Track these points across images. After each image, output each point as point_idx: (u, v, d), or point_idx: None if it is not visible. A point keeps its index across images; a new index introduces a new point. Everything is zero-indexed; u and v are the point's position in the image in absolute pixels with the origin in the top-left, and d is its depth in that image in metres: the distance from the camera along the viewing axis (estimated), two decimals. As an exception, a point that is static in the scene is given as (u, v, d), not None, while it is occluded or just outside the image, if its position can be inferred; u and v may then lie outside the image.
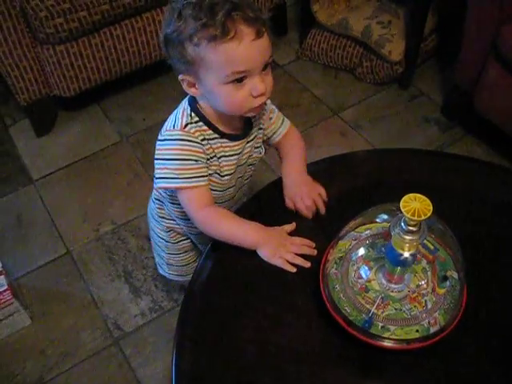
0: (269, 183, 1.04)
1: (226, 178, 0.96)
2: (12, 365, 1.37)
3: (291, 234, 0.91)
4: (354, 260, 0.79)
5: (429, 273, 0.77)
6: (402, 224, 0.70)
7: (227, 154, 0.94)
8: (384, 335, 0.74)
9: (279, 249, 0.88)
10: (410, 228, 0.70)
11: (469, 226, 0.92)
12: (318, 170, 1.02)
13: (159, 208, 1.10)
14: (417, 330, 0.74)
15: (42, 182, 1.78)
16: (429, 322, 0.74)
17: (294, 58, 2.16)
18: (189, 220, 0.97)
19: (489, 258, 0.89)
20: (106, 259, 1.57)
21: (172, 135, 0.89)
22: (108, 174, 1.79)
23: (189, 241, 1.15)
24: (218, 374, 0.78)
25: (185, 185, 0.89)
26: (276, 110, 1.03)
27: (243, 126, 0.96)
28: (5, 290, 1.34)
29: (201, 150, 0.89)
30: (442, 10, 1.96)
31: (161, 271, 1.27)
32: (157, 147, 0.92)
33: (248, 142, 0.97)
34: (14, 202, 1.73)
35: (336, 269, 0.80)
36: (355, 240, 0.81)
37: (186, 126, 0.89)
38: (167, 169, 0.89)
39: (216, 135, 0.92)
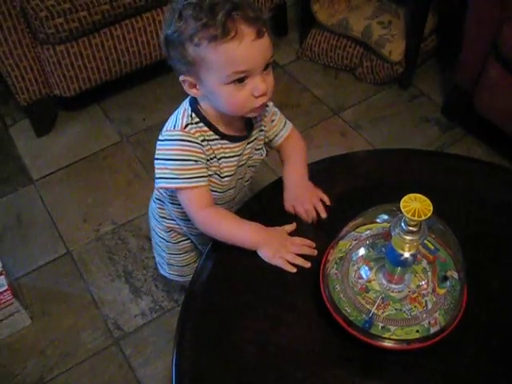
0: (269, 183, 1.04)
1: (226, 179, 0.96)
2: (12, 365, 1.37)
3: (291, 234, 0.91)
4: (355, 260, 0.79)
5: (429, 273, 0.77)
6: (403, 224, 0.70)
7: (227, 155, 0.94)
8: (384, 335, 0.74)
9: (279, 249, 0.88)
10: (411, 228, 0.70)
11: (469, 226, 0.92)
12: (318, 170, 1.02)
13: (160, 208, 1.10)
14: (417, 331, 0.74)
15: (42, 182, 1.78)
16: (429, 323, 0.74)
17: (294, 58, 2.15)
18: (189, 221, 0.97)
19: (489, 258, 0.89)
20: (106, 259, 1.57)
21: (172, 135, 0.89)
22: (108, 174, 1.79)
23: (189, 241, 1.15)
24: (218, 374, 0.78)
25: (185, 185, 0.89)
26: (278, 113, 1.03)
27: (244, 127, 0.96)
28: (5, 290, 1.34)
29: (200, 151, 0.89)
30: (442, 10, 1.96)
31: (161, 271, 1.27)
32: (157, 147, 0.92)
33: (248, 144, 0.97)
34: (14, 202, 1.73)
35: (336, 269, 0.80)
36: (355, 240, 0.81)
37: (187, 126, 0.89)
38: (167, 169, 0.89)
39: (216, 136, 0.92)
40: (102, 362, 1.37)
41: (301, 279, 0.86)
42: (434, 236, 0.78)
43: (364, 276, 0.78)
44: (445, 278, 0.77)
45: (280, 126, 1.02)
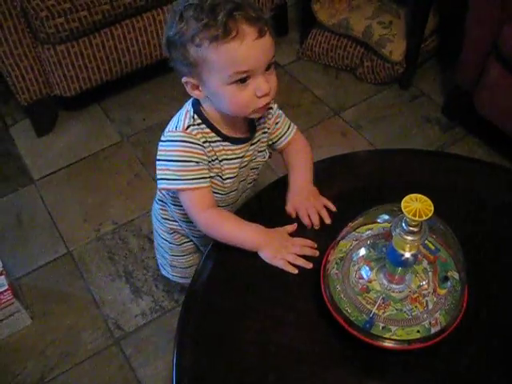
0: (269, 183, 1.04)
1: (228, 181, 0.96)
2: (13, 365, 1.37)
3: (293, 234, 0.91)
4: (355, 260, 0.79)
5: (430, 273, 0.77)
6: (403, 224, 0.70)
7: (229, 157, 0.94)
8: (385, 336, 0.74)
9: (281, 250, 0.87)
10: (411, 228, 0.70)
11: (470, 226, 0.92)
12: (318, 170, 1.01)
13: (162, 209, 1.09)
14: (418, 331, 0.74)
15: (42, 182, 1.78)
16: (430, 323, 0.74)
17: (295, 58, 2.16)
18: (191, 222, 0.97)
19: (490, 258, 0.89)
20: (106, 259, 1.57)
21: (174, 136, 0.89)
22: (108, 174, 1.79)
23: (192, 243, 1.15)
24: (218, 374, 0.78)
25: (186, 186, 0.89)
26: (283, 115, 1.02)
27: (247, 129, 0.96)
28: (5, 290, 1.34)
29: (202, 152, 0.89)
30: (442, 10, 1.96)
31: (164, 273, 1.27)
32: (159, 148, 0.92)
33: (251, 146, 0.97)
34: (14, 202, 1.73)
35: (337, 269, 0.80)
36: (356, 240, 0.81)
37: (188, 127, 0.89)
38: (168, 170, 0.89)
39: (218, 138, 0.91)
40: (102, 361, 1.37)
41: (301, 279, 0.86)
42: (434, 236, 0.78)
43: (365, 276, 0.78)
44: (445, 279, 0.77)
45: (284, 129, 1.02)
